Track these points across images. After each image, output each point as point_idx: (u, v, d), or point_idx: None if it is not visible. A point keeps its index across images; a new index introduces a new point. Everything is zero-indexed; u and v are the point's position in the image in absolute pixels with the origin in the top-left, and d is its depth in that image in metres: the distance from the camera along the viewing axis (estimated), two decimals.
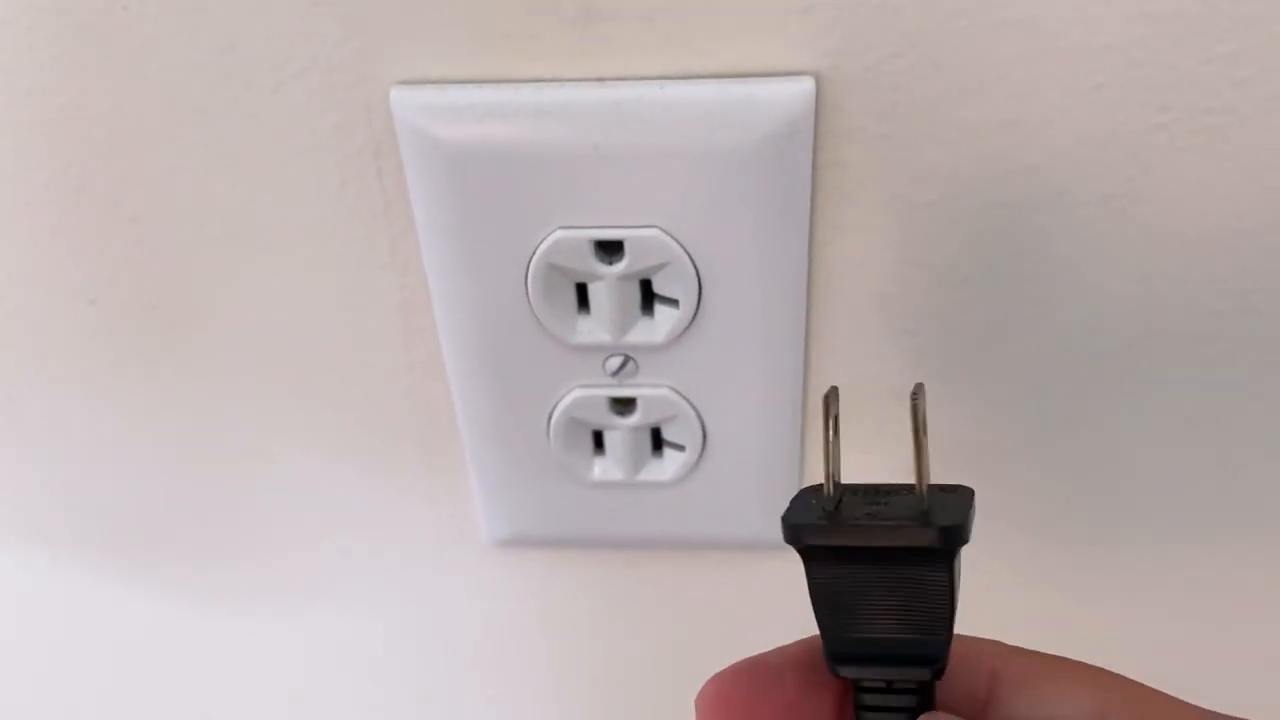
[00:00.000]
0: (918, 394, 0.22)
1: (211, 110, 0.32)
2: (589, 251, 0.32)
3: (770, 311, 0.34)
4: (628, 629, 0.45)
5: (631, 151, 0.31)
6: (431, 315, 0.36)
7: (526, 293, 0.33)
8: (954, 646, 0.23)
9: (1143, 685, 0.23)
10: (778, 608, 0.43)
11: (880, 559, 0.23)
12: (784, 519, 0.23)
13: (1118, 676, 0.23)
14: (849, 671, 0.24)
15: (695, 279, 0.32)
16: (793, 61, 0.30)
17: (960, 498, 0.23)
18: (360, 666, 0.48)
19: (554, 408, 0.36)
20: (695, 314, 0.33)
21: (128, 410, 0.40)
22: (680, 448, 0.37)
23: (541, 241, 0.32)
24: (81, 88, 0.32)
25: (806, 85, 0.30)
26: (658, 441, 0.38)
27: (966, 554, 0.23)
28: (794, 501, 0.24)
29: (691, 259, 0.32)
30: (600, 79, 0.31)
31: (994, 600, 0.41)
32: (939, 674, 0.23)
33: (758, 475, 0.38)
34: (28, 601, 0.48)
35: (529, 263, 0.33)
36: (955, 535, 0.22)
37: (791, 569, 0.38)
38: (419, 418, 0.39)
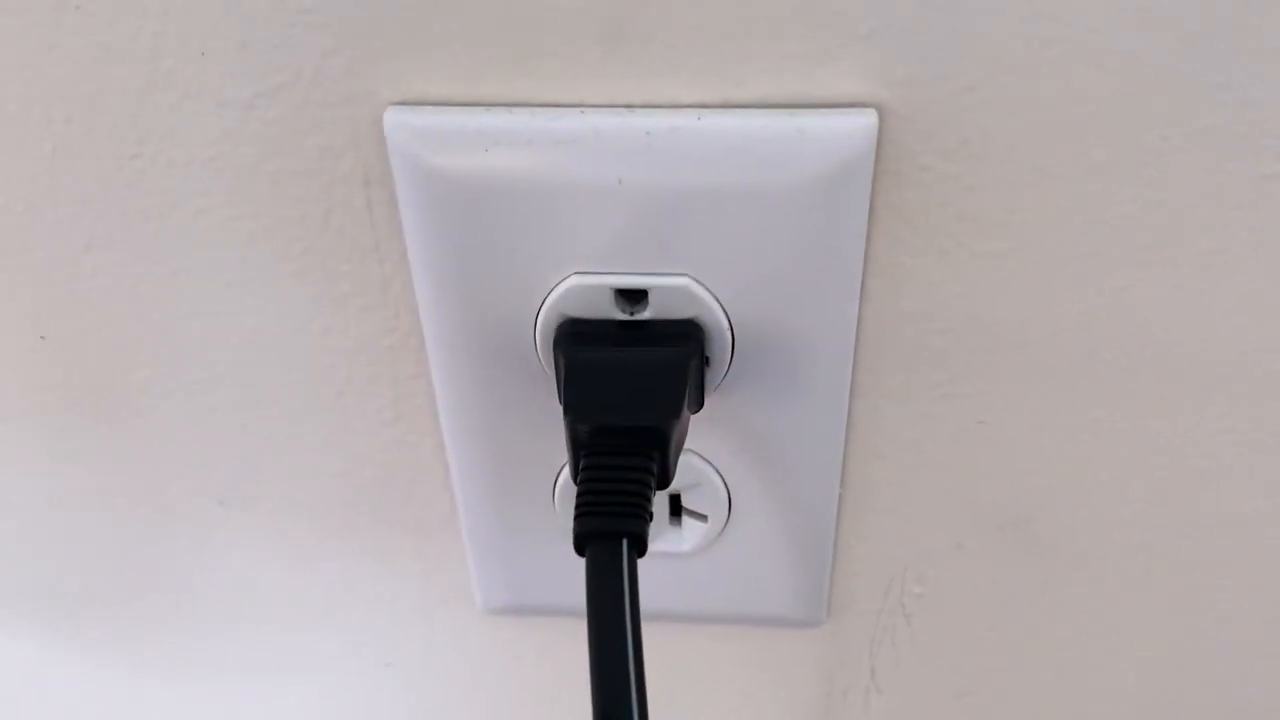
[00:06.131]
0: None
1: (177, 127, 0.28)
2: (609, 300, 0.28)
3: (813, 370, 0.29)
4: None
5: (661, 189, 0.27)
6: (425, 363, 0.32)
7: (534, 343, 0.29)
8: None
9: None
10: (793, 684, 0.39)
11: None
12: None
13: None
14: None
15: (729, 337, 0.28)
16: (850, 91, 0.26)
17: None
18: None
19: (560, 471, 0.32)
20: (726, 371, 0.29)
21: (77, 457, 0.35)
22: (702, 517, 0.33)
23: (554, 287, 0.28)
24: (27, 98, 0.28)
25: (868, 119, 0.26)
26: (675, 508, 0.33)
27: None
28: None
29: (725, 312, 0.28)
30: (628, 105, 0.27)
31: None
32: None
33: (786, 548, 0.33)
34: None
35: (539, 311, 0.29)
36: None
37: (812, 646, 0.34)
38: (406, 473, 0.35)
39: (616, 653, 0.24)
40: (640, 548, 0.26)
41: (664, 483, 0.27)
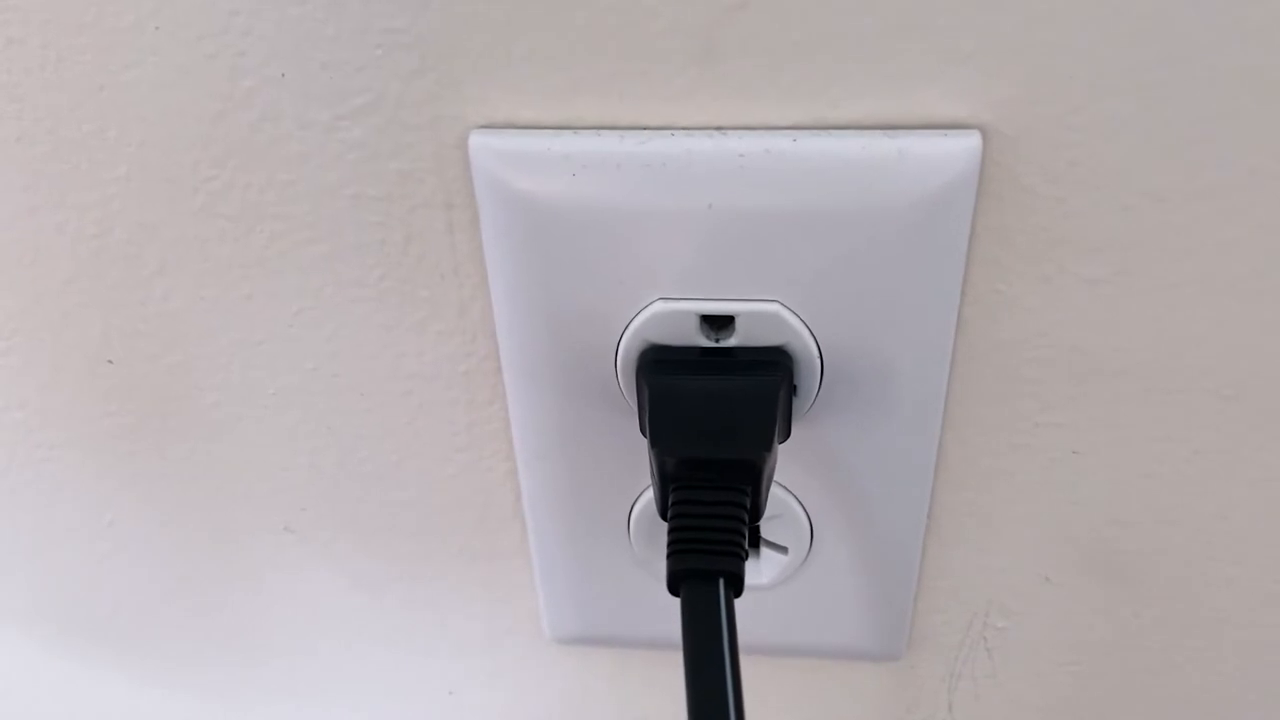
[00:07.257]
0: None
1: (253, 149, 0.28)
2: (694, 326, 0.27)
3: (904, 399, 0.28)
4: None
5: (753, 213, 0.26)
6: (500, 389, 0.31)
7: (615, 370, 0.29)
8: None
9: None
10: (868, 715, 0.38)
11: None
12: None
13: None
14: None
15: (819, 365, 0.27)
16: (952, 112, 0.25)
17: None
18: None
19: (636, 500, 0.31)
20: (814, 400, 0.28)
21: (142, 481, 0.35)
22: (782, 549, 0.32)
23: (638, 313, 0.27)
24: (102, 118, 0.28)
25: (972, 141, 0.25)
26: (754, 539, 0.33)
27: None
28: None
29: (815, 339, 0.27)
30: (720, 128, 0.26)
31: None
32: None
33: (867, 582, 0.32)
34: (13, 693, 0.44)
35: (621, 337, 0.28)
36: None
37: (890, 678, 0.32)
38: (476, 499, 0.34)
39: (716, 697, 0.23)
40: (737, 587, 0.25)
41: (756, 517, 0.26)
